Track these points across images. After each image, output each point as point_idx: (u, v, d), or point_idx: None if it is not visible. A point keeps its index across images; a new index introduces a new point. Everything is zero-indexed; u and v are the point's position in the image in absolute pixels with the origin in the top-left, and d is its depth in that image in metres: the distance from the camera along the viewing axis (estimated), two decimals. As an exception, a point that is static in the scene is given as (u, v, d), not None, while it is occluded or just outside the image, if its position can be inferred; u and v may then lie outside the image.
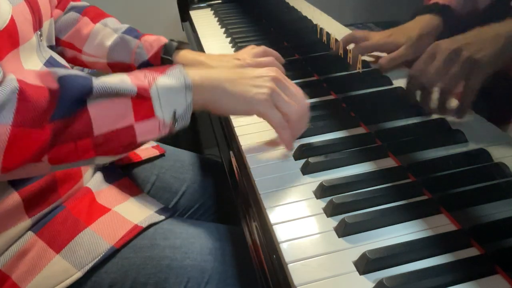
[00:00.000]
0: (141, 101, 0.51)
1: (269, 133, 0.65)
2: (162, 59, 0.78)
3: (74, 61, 0.85)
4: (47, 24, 0.70)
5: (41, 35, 0.67)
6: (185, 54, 0.78)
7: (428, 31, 0.51)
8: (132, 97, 0.51)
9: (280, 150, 0.61)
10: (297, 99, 0.58)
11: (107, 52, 0.81)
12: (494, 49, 0.41)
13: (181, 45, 0.79)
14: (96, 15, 0.84)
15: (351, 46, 0.70)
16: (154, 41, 0.79)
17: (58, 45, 0.82)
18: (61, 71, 0.51)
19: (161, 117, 0.52)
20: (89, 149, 0.51)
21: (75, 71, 0.52)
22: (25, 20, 0.61)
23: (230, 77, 0.56)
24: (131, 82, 0.52)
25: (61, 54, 0.83)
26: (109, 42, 0.81)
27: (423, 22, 0.52)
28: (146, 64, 0.79)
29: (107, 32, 0.82)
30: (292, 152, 0.60)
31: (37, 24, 0.65)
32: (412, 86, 0.52)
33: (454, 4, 0.48)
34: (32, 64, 0.63)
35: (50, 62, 0.68)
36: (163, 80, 0.53)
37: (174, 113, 0.53)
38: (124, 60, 0.81)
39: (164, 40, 0.79)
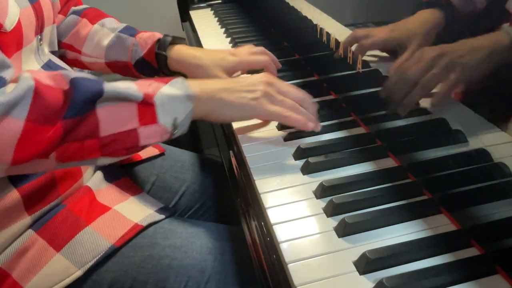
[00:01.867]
0: (146, 107, 0.54)
1: (269, 133, 0.65)
2: (156, 54, 0.78)
3: (75, 63, 0.85)
4: (48, 29, 0.71)
5: (41, 40, 0.68)
6: (180, 49, 0.78)
7: (431, 27, 0.51)
8: (138, 103, 0.54)
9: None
10: (292, 95, 0.62)
11: (104, 52, 0.81)
12: (475, 59, 0.43)
13: (175, 40, 0.79)
14: (94, 16, 0.85)
15: (353, 47, 0.70)
16: (148, 37, 0.79)
17: (60, 48, 0.83)
18: (73, 74, 0.53)
19: (163, 124, 0.55)
20: (95, 149, 0.53)
21: (87, 74, 0.54)
22: (30, 24, 0.62)
23: (226, 87, 0.60)
24: (137, 89, 0.55)
25: (63, 56, 0.84)
26: (106, 42, 0.81)
27: (425, 17, 0.52)
28: (141, 61, 0.79)
29: (104, 32, 0.82)
30: (319, 128, 0.63)
31: (39, 29, 0.66)
32: (392, 85, 0.54)
33: (455, 0, 0.49)
34: (30, 66, 0.64)
35: (48, 65, 0.69)
36: (166, 89, 0.56)
37: (175, 120, 0.56)
38: (121, 59, 0.81)
39: (158, 35, 0.79)
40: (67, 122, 0.50)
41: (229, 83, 0.61)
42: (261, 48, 0.78)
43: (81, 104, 0.51)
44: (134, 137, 0.54)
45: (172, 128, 0.56)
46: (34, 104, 0.49)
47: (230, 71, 0.75)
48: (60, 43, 0.83)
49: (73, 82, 0.52)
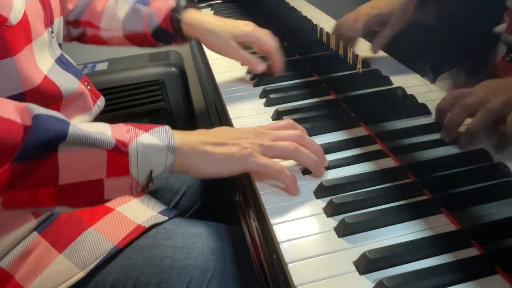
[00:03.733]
0: (117, 156, 0.48)
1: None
2: (171, 19, 0.79)
3: (94, 40, 0.86)
4: (57, 21, 0.71)
5: (52, 32, 0.67)
6: (194, 13, 0.79)
7: (406, 3, 0.52)
8: (108, 150, 0.48)
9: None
10: (283, 137, 0.56)
11: (121, 24, 0.82)
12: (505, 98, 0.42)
13: (189, 5, 0.80)
14: None
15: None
16: (162, 4, 0.80)
17: (79, 26, 0.84)
18: (40, 110, 0.47)
19: (135, 176, 0.49)
20: (50, 199, 0.47)
21: (55, 113, 0.48)
22: (37, 16, 0.61)
23: (212, 140, 0.54)
24: (111, 134, 0.49)
25: (83, 35, 0.85)
26: (122, 14, 0.82)
27: None
28: (158, 29, 0.80)
29: (119, 5, 0.83)
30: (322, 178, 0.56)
31: (49, 20, 0.65)
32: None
33: None
34: (44, 60, 0.63)
35: (61, 60, 0.68)
36: (146, 138, 0.50)
37: (151, 173, 0.50)
38: (138, 29, 0.82)
39: (171, 3, 0.80)
40: (17, 166, 0.44)
41: (216, 136, 0.55)
42: (276, 41, 0.79)
43: (38, 145, 0.44)
44: (98, 189, 0.48)
45: (146, 181, 0.50)
46: None
47: (241, 40, 0.77)
48: (79, 22, 0.84)
49: (35, 118, 0.45)
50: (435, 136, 0.57)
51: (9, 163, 0.43)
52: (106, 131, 0.49)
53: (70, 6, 0.84)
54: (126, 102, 1.44)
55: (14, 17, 0.55)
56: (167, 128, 0.53)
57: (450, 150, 0.54)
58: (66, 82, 0.65)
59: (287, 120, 0.60)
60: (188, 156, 0.52)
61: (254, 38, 0.77)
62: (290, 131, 0.57)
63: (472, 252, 0.44)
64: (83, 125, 0.49)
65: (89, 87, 0.74)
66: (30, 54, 0.59)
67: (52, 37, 0.67)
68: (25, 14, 0.57)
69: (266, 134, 0.56)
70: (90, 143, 0.47)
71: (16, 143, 0.44)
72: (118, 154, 0.48)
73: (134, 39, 0.83)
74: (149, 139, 0.50)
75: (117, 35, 0.83)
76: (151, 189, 0.51)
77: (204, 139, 0.54)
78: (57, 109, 0.65)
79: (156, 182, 0.51)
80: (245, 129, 0.57)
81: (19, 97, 0.57)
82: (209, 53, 0.99)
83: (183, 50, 1.69)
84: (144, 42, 0.84)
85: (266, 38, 0.78)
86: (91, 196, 0.49)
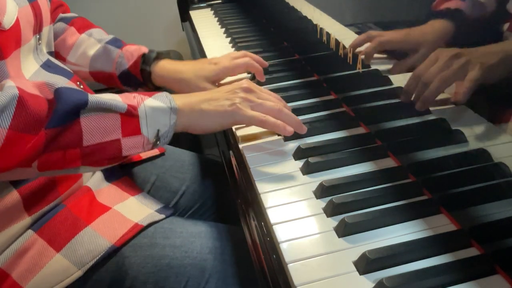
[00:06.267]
0: (130, 118, 0.55)
1: (269, 133, 0.65)
2: (141, 70, 0.79)
3: None
4: (46, 29, 0.72)
5: (39, 39, 0.68)
6: (163, 64, 0.80)
7: (441, 36, 0.55)
8: (122, 114, 0.55)
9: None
10: (270, 99, 0.63)
11: (89, 61, 0.83)
12: (490, 62, 0.46)
13: (160, 55, 0.81)
14: (82, 26, 0.86)
15: (364, 47, 0.70)
16: (134, 50, 0.81)
17: None
18: (59, 84, 0.53)
19: (146, 135, 0.56)
20: (77, 159, 0.53)
21: (73, 86, 0.55)
22: (27, 23, 0.62)
23: (206, 97, 0.61)
24: (122, 100, 0.56)
25: None
26: (92, 52, 0.83)
27: (437, 27, 0.56)
28: (126, 73, 0.81)
29: (91, 42, 0.84)
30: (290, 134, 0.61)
31: (37, 28, 0.67)
32: (411, 85, 0.57)
33: (465, 8, 0.52)
34: (29, 64, 0.64)
35: (47, 64, 0.69)
36: (150, 102, 0.57)
37: (158, 132, 0.57)
38: (105, 69, 0.83)
39: (144, 49, 0.81)
40: (49, 132, 0.50)
41: (209, 94, 0.62)
42: (242, 52, 0.80)
43: (64, 114, 0.51)
44: (117, 147, 0.55)
45: (155, 140, 0.57)
46: (17, 113, 0.49)
47: (213, 80, 0.77)
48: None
49: (57, 92, 0.52)
50: (435, 136, 0.57)
51: (44, 130, 0.50)
52: (118, 98, 0.56)
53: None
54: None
55: (7, 22, 0.57)
56: (166, 93, 0.60)
57: (450, 150, 0.54)
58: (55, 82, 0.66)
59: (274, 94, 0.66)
60: (187, 115, 0.59)
61: (225, 71, 0.77)
62: (276, 96, 0.65)
63: (472, 252, 0.44)
64: (97, 94, 0.56)
65: (81, 87, 0.74)
66: (17, 59, 0.61)
67: (39, 44, 0.68)
68: (17, 20, 0.59)
69: (256, 93, 0.62)
70: (106, 109, 0.54)
71: (44, 113, 0.50)
72: (130, 116, 0.55)
73: (100, 77, 0.84)
74: (154, 102, 0.57)
75: (83, 70, 0.84)
76: (158, 146, 0.58)
77: (200, 98, 0.61)
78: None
79: (163, 140, 0.58)
80: (236, 85, 0.63)
81: None
82: (209, 54, 0.99)
83: (183, 50, 1.70)
84: (110, 83, 0.84)
85: (236, 62, 0.77)
86: (111, 154, 0.55)
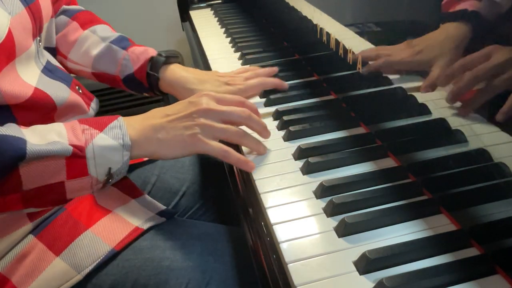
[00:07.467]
0: (75, 160, 0.52)
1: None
2: (148, 74, 0.74)
3: (60, 64, 0.81)
4: (46, 26, 0.70)
5: (40, 41, 0.66)
6: (174, 70, 0.75)
7: (459, 41, 0.49)
8: (66, 157, 0.51)
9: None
10: (235, 116, 0.59)
11: (92, 61, 0.78)
12: None
13: (169, 60, 0.75)
14: (86, 21, 0.81)
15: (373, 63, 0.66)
16: (141, 53, 0.76)
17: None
18: None
19: (94, 175, 0.53)
20: (18, 203, 0.52)
21: (10, 129, 0.51)
22: (24, 30, 0.59)
23: (161, 123, 0.57)
24: (67, 139, 0.52)
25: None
26: (95, 51, 0.77)
27: (451, 32, 0.50)
28: (131, 78, 0.76)
29: (94, 40, 0.79)
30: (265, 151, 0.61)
31: (37, 30, 0.64)
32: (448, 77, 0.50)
33: (482, 10, 0.47)
34: (29, 72, 0.62)
35: (47, 68, 0.67)
36: (100, 139, 0.53)
37: (109, 170, 0.54)
38: (109, 71, 0.78)
39: (152, 52, 0.76)
40: None
41: (164, 122, 0.57)
42: (251, 72, 0.77)
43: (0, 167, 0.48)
44: (60, 191, 0.52)
45: (106, 177, 0.54)
46: None
47: None
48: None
49: None
50: (435, 136, 0.57)
51: None
52: (62, 136, 0.52)
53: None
54: (126, 102, 1.44)
55: None
56: (121, 122, 0.56)
57: (450, 150, 0.54)
58: (57, 90, 0.65)
59: (237, 97, 0.63)
60: (144, 147, 0.56)
61: (239, 93, 0.72)
62: (239, 100, 0.61)
63: (472, 252, 0.44)
64: (38, 129, 0.52)
65: (80, 91, 0.73)
66: (13, 71, 0.58)
67: (40, 46, 0.66)
68: (9, 33, 0.55)
69: (216, 111, 0.58)
70: (49, 156, 0.50)
71: None
72: (76, 158, 0.52)
73: (104, 79, 0.80)
74: (104, 140, 0.53)
75: (85, 70, 0.79)
76: (111, 183, 0.56)
77: (155, 124, 0.57)
78: (52, 119, 0.65)
79: (115, 177, 0.55)
80: (192, 105, 0.58)
81: (3, 108, 0.57)
82: (209, 54, 0.99)
83: (183, 50, 1.70)
84: (113, 85, 0.80)
85: (248, 85, 0.73)
86: (54, 197, 0.53)
